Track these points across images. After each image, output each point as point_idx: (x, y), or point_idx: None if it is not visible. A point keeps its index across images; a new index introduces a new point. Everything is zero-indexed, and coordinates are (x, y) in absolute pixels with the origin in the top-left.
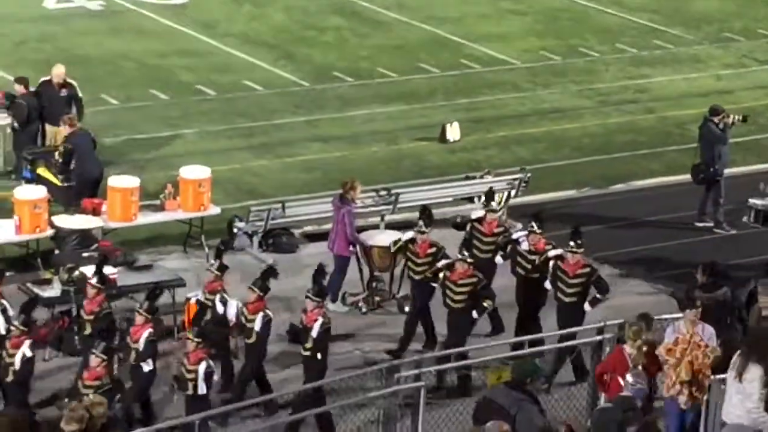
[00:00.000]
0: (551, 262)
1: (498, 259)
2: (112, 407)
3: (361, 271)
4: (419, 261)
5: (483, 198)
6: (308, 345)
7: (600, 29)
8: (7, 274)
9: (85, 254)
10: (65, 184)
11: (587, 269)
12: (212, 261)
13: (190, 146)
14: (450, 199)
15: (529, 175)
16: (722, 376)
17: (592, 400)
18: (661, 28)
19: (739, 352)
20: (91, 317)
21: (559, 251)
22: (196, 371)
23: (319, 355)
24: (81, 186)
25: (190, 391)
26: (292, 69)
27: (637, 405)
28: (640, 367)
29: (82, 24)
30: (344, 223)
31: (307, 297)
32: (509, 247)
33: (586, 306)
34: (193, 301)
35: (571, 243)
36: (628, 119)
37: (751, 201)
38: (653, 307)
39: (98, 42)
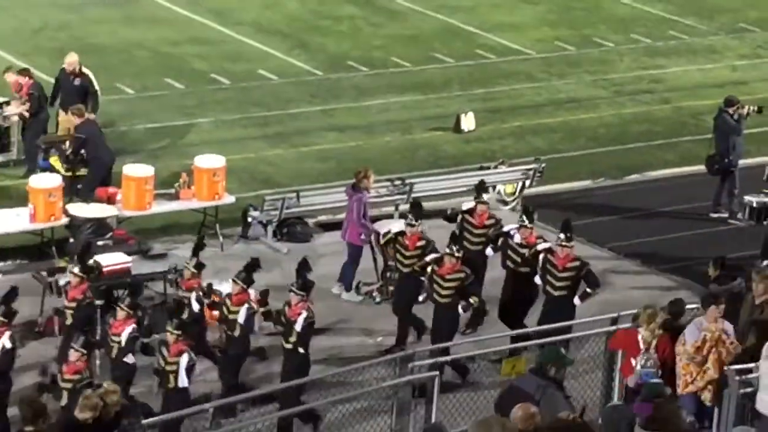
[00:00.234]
0: (541, 256)
1: (488, 251)
2: None
3: (375, 260)
4: (408, 254)
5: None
6: (292, 339)
7: (614, 19)
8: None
9: (99, 243)
10: (68, 174)
11: (577, 263)
12: (190, 259)
13: (204, 135)
14: (464, 189)
15: (543, 165)
16: (737, 367)
17: (606, 390)
18: (676, 18)
19: None
20: (73, 304)
21: (548, 244)
22: (177, 363)
23: (301, 349)
24: (99, 174)
25: (171, 384)
26: (306, 58)
27: (667, 392)
28: (652, 350)
29: (97, 12)
30: (355, 211)
31: (290, 290)
32: (500, 240)
33: (576, 300)
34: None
35: (561, 236)
36: (643, 110)
37: (747, 198)
38: (667, 297)
39: (113, 30)
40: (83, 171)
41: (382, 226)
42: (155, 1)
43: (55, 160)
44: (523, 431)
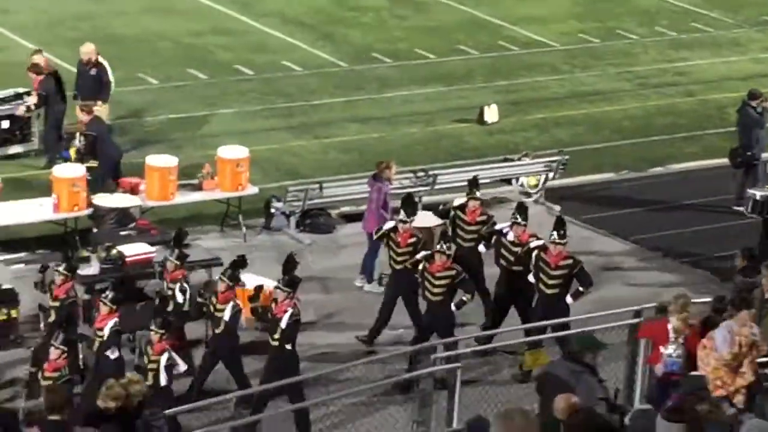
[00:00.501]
0: (534, 253)
1: (481, 247)
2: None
3: None
4: (400, 250)
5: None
6: (276, 336)
7: (639, 12)
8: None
9: (123, 233)
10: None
11: (570, 261)
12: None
13: (228, 126)
14: (487, 180)
15: (567, 157)
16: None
17: (628, 382)
18: (701, 10)
19: None
20: (57, 304)
21: (541, 242)
22: (158, 362)
23: (287, 346)
24: (109, 168)
25: (150, 382)
26: (330, 50)
27: (707, 383)
28: (681, 340)
29: (120, 3)
30: (375, 201)
31: (277, 287)
32: (494, 238)
33: (569, 299)
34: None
35: (554, 234)
36: (667, 102)
37: (750, 191)
38: (690, 290)
39: (135, 21)
40: (92, 163)
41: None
42: None
43: (74, 151)
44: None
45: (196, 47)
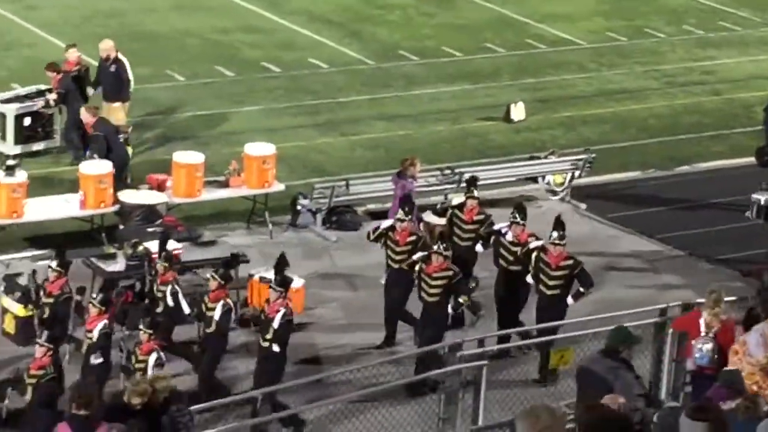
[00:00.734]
0: (533, 254)
1: (479, 247)
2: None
3: None
4: (399, 249)
5: (465, 184)
6: (268, 336)
7: (666, 10)
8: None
9: (149, 229)
10: None
11: (570, 261)
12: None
13: (254, 123)
14: (514, 178)
15: (593, 155)
16: None
17: (654, 379)
18: (728, 9)
19: None
20: (50, 301)
21: (541, 242)
22: (146, 362)
23: (276, 347)
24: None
25: None
26: (357, 47)
27: (741, 378)
28: (711, 334)
29: (148, 0)
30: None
31: (270, 287)
32: (492, 238)
33: (569, 299)
34: (256, 277)
35: (554, 234)
36: (694, 101)
37: (754, 196)
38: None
39: (163, 18)
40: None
41: (429, 215)
42: None
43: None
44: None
45: (223, 44)
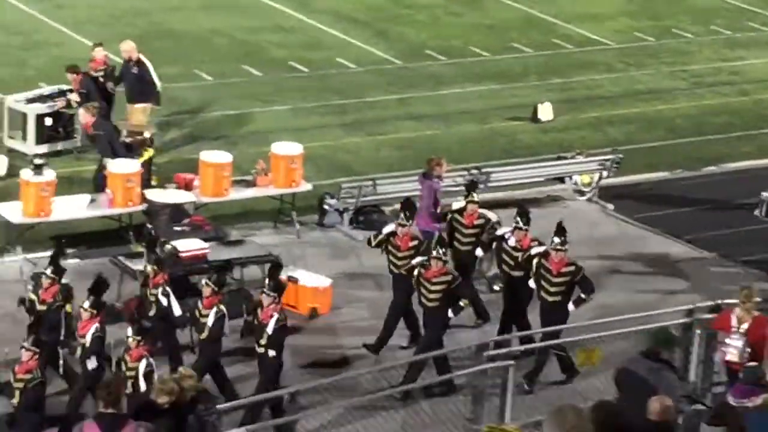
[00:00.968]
0: (535, 260)
1: (478, 251)
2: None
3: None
4: (400, 255)
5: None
6: (263, 341)
7: (694, 10)
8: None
9: (177, 228)
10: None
11: (572, 267)
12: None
13: (282, 122)
14: (541, 179)
15: (620, 156)
16: None
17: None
18: (756, 9)
19: None
20: (44, 308)
21: (543, 248)
22: (136, 369)
23: (272, 352)
24: None
25: (129, 390)
26: (385, 47)
27: (765, 374)
28: (742, 330)
29: None
30: (427, 198)
31: (263, 293)
32: (494, 244)
33: (570, 306)
34: (283, 277)
35: (555, 240)
36: (721, 101)
37: (764, 194)
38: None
39: (190, 17)
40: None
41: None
42: None
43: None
44: (658, 422)
45: (250, 44)
